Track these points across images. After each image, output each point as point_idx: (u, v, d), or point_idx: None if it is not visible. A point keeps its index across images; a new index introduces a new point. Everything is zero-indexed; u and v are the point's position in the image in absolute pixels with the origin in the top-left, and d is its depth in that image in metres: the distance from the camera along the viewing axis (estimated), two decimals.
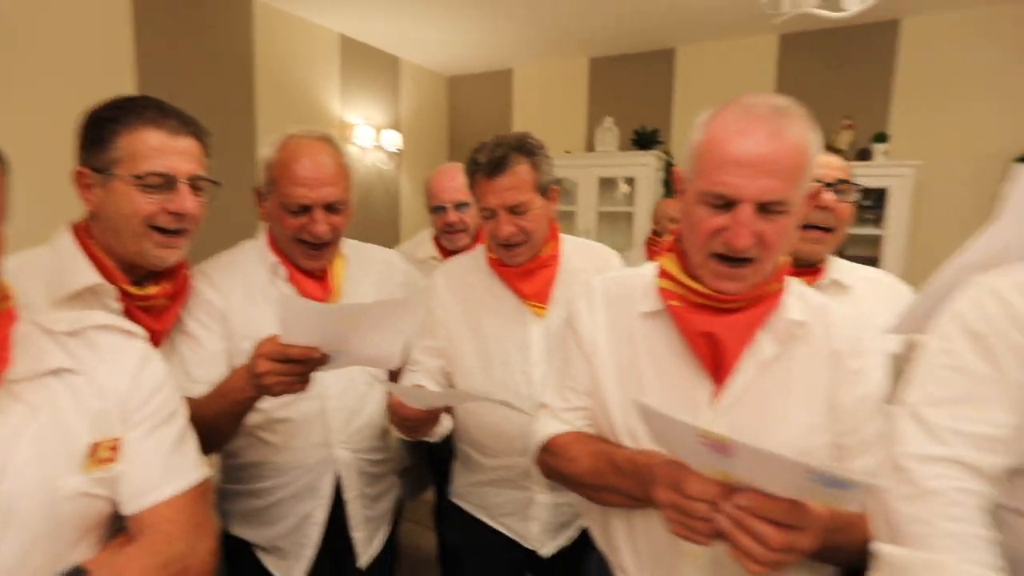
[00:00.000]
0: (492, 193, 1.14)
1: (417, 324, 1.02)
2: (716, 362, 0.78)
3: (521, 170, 1.14)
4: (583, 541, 1.14)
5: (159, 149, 0.89)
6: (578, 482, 0.87)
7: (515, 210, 1.14)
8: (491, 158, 1.13)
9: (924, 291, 0.80)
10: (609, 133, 3.67)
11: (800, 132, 0.72)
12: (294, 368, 0.87)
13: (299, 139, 1.10)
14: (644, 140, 3.54)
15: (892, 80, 3.19)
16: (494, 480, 1.25)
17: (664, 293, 0.83)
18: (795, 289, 0.82)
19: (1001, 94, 2.93)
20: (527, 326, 1.21)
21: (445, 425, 1.19)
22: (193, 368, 1.04)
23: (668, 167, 3.64)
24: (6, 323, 0.63)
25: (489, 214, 1.17)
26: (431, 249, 1.82)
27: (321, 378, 1.05)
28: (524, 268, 1.21)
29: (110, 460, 0.67)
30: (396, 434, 1.22)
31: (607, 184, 3.68)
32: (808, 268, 1.21)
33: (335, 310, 0.94)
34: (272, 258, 1.14)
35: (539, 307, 1.21)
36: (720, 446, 0.57)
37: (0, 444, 0.60)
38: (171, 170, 0.90)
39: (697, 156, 0.77)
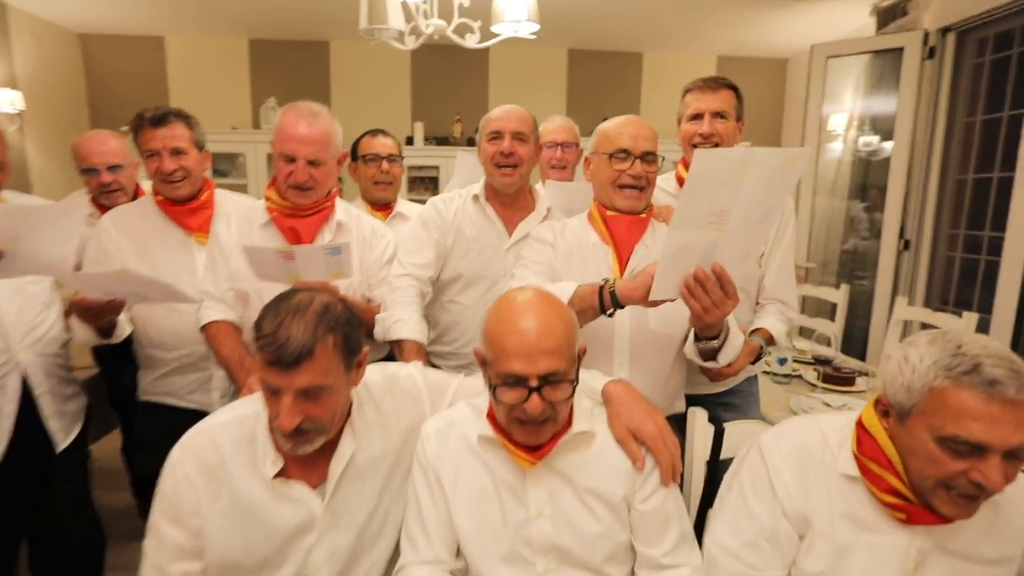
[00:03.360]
0: (156, 139, 1.55)
1: (77, 230, 1.24)
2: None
3: (179, 126, 1.58)
4: None
5: None
6: (222, 359, 1.43)
7: (176, 152, 1.56)
8: (155, 115, 1.56)
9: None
10: (272, 112, 4.05)
11: (325, 122, 1.41)
12: None
13: None
14: None
15: (488, 89, 4.49)
16: (176, 368, 1.66)
17: (269, 209, 1.45)
18: (343, 207, 1.55)
19: (550, 102, 4.52)
20: (193, 253, 1.65)
21: (125, 329, 1.56)
22: None
23: None
24: None
25: (153, 155, 1.56)
26: (88, 207, 2.01)
27: None
28: (188, 208, 1.64)
29: None
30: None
31: None
32: (385, 206, 2.01)
33: None
34: None
35: (203, 237, 1.65)
36: (287, 254, 1.21)
37: None
38: None
39: (274, 134, 1.41)
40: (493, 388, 0.92)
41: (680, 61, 4.68)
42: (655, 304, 1.11)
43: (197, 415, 1.64)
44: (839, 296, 2.96)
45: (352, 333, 0.96)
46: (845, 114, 3.73)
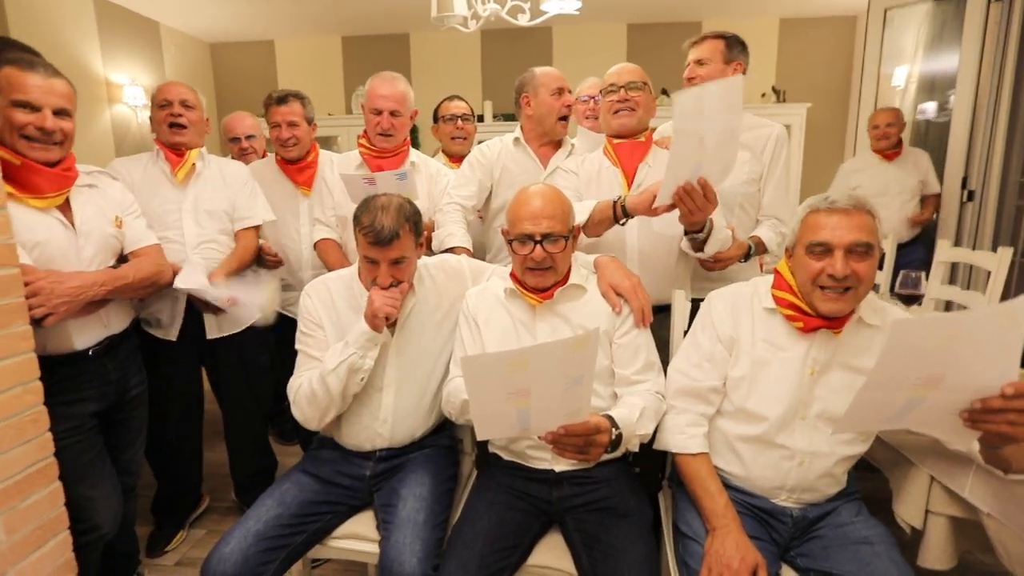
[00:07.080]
0: (278, 114, 2.10)
1: None
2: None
3: (295, 104, 2.12)
4: None
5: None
6: (328, 264, 1.95)
7: (291, 124, 2.11)
8: (279, 95, 2.11)
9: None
10: (363, 99, 4.66)
11: (402, 84, 1.87)
12: None
13: None
14: None
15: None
16: (282, 287, 2.21)
17: (361, 154, 1.94)
18: (415, 153, 2.00)
19: None
20: (299, 202, 2.20)
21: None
22: None
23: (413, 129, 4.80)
24: None
25: (276, 126, 2.10)
26: None
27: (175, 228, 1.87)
28: (298, 167, 2.18)
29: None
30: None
31: None
32: (461, 159, 2.46)
33: None
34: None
35: (307, 190, 2.20)
36: (369, 180, 1.67)
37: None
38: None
39: (365, 96, 1.87)
40: (511, 245, 1.32)
41: (743, 28, 4.72)
42: (656, 213, 1.39)
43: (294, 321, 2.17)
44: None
45: (418, 222, 1.39)
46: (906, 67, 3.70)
